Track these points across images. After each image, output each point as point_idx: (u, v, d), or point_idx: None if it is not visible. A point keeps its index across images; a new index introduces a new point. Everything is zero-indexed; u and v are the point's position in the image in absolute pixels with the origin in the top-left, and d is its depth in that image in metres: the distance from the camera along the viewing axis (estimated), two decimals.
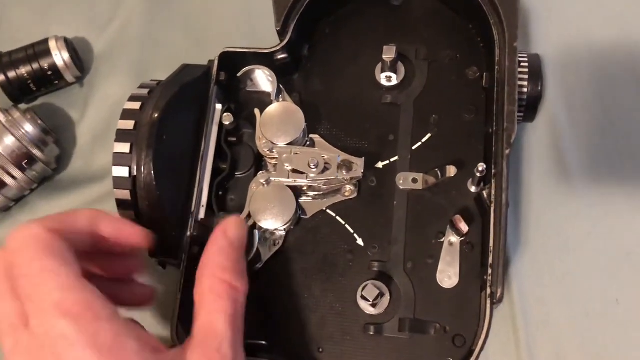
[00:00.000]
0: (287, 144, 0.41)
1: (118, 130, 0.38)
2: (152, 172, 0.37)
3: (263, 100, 0.44)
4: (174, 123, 0.39)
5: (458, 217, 0.39)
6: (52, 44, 0.48)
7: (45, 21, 0.53)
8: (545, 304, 0.43)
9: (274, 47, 0.43)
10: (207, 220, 0.41)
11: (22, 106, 0.50)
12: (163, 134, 0.37)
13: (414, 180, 0.42)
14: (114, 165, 0.37)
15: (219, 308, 0.32)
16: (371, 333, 0.39)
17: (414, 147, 0.43)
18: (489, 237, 0.37)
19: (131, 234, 0.35)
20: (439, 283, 0.40)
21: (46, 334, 0.28)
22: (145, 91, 0.39)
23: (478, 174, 0.38)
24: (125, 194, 0.37)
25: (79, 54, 0.51)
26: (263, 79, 0.44)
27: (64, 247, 0.30)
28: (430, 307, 0.40)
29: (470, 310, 0.39)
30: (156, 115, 0.37)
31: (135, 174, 0.37)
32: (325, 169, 0.41)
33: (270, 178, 0.41)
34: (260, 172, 0.42)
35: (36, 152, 0.46)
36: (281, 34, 0.43)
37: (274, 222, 0.40)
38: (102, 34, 0.52)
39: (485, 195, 0.39)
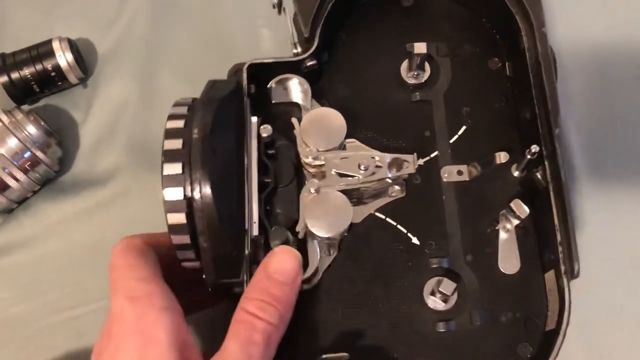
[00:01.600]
0: (329, 150, 0.40)
1: (165, 150, 0.35)
2: (210, 190, 0.34)
3: (291, 111, 0.43)
4: (219, 139, 0.37)
5: (517, 201, 0.39)
6: (56, 45, 0.48)
7: (49, 22, 0.53)
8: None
9: (302, 55, 0.42)
10: (259, 237, 0.39)
11: (25, 107, 0.50)
12: (215, 150, 0.36)
13: (459, 173, 0.42)
14: (166, 187, 0.35)
15: (233, 333, 0.33)
16: (443, 330, 0.39)
17: (451, 141, 0.43)
18: (551, 216, 0.38)
19: None
20: (502, 270, 0.40)
21: (113, 312, 0.33)
22: (184, 109, 0.37)
23: (529, 156, 0.39)
24: (180, 218, 0.35)
25: (83, 55, 0.51)
26: (295, 88, 0.43)
27: (151, 253, 0.36)
28: (497, 296, 0.39)
29: (536, 294, 0.39)
30: (206, 130, 0.35)
31: (190, 194, 0.35)
32: (374, 171, 0.40)
33: (320, 185, 0.39)
34: (310, 180, 0.41)
35: (39, 154, 0.46)
36: (309, 40, 0.42)
37: (331, 230, 0.39)
38: (106, 36, 0.52)
39: (539, 177, 0.39)
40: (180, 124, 0.36)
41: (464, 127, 0.43)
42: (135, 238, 0.37)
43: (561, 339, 0.36)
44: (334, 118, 0.41)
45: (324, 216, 0.39)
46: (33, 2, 0.53)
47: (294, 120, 0.42)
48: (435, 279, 0.39)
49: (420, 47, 0.42)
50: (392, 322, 0.39)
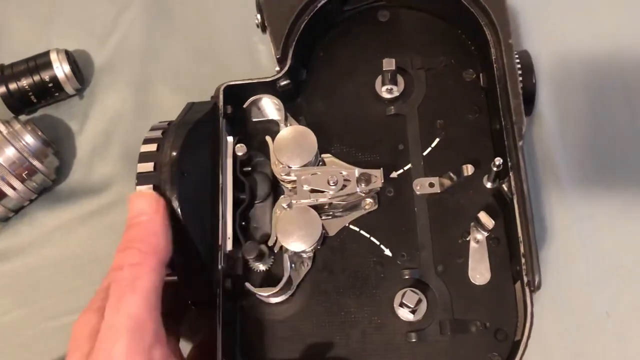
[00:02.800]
0: (302, 166, 0.42)
1: (138, 174, 0.38)
2: (179, 209, 0.36)
3: (270, 128, 0.45)
4: (191, 160, 0.39)
5: (483, 213, 0.40)
6: (53, 56, 0.49)
7: (46, 34, 0.54)
8: (536, 316, 0.43)
9: (276, 75, 0.44)
10: (234, 252, 0.41)
11: (23, 117, 0.51)
12: (184, 171, 0.38)
13: (431, 185, 0.43)
14: None
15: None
16: (414, 340, 0.40)
17: (424, 153, 0.43)
18: (516, 227, 0.38)
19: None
20: (472, 281, 0.40)
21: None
22: (158, 133, 0.39)
23: (495, 169, 0.39)
24: None
25: (80, 66, 0.52)
26: (270, 107, 0.44)
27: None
28: (467, 306, 0.40)
29: (506, 304, 0.40)
30: (175, 153, 0.37)
31: None
32: (344, 185, 0.41)
33: (292, 201, 0.41)
34: (282, 196, 0.42)
35: (36, 163, 0.47)
36: (281, 61, 0.44)
37: (302, 244, 0.40)
38: (103, 47, 0.53)
39: (505, 189, 0.40)
40: (153, 147, 0.39)
41: (437, 139, 0.44)
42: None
43: (522, 349, 0.37)
44: (306, 136, 0.42)
45: (295, 230, 0.40)
46: (31, 14, 0.55)
47: (268, 139, 0.43)
48: (404, 290, 0.40)
49: (389, 63, 0.43)
50: (364, 332, 0.40)
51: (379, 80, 0.45)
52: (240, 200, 0.42)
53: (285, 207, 0.41)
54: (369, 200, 0.42)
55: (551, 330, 0.44)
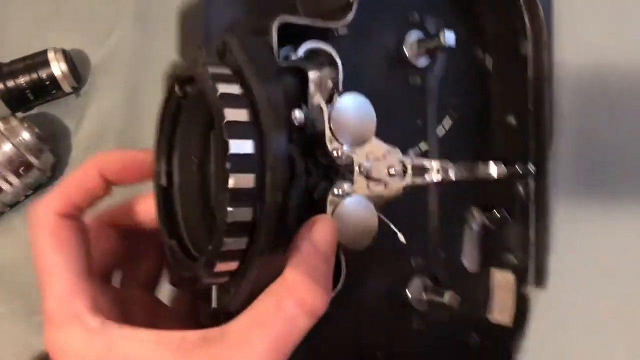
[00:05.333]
0: (359, 145, 0.35)
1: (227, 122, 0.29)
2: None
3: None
4: None
5: (486, 204, 0.42)
6: (51, 55, 0.52)
7: (44, 33, 0.55)
8: (533, 316, 0.45)
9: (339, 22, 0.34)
10: None
11: (20, 115, 0.53)
12: None
13: (441, 171, 0.41)
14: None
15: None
16: (417, 327, 0.40)
17: (439, 136, 0.42)
18: (521, 220, 0.41)
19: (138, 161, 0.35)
20: (473, 269, 0.43)
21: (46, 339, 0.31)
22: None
23: (520, 170, 0.41)
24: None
25: (76, 65, 0.54)
26: None
27: (72, 236, 0.32)
28: (468, 294, 0.41)
29: (505, 293, 0.43)
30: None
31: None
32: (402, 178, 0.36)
33: (347, 191, 0.34)
34: (335, 185, 0.35)
35: (32, 159, 0.49)
36: (344, 9, 0.34)
37: (360, 240, 0.35)
38: (100, 47, 0.55)
39: (521, 189, 0.42)
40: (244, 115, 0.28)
41: (451, 123, 0.42)
42: (45, 214, 0.33)
43: (520, 336, 0.41)
44: (365, 108, 0.35)
45: (350, 226, 0.34)
46: (30, 14, 0.56)
47: (322, 105, 0.34)
48: (412, 277, 0.40)
49: (450, 39, 0.38)
50: (371, 319, 0.39)
51: (411, 41, 0.40)
52: None
53: (341, 195, 0.34)
54: None
55: (547, 331, 0.45)
